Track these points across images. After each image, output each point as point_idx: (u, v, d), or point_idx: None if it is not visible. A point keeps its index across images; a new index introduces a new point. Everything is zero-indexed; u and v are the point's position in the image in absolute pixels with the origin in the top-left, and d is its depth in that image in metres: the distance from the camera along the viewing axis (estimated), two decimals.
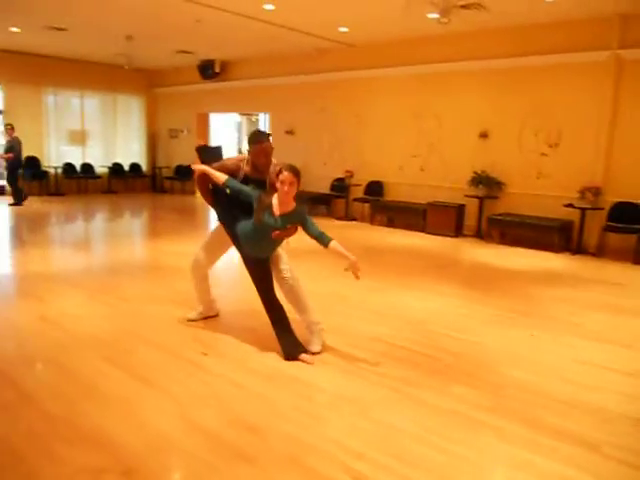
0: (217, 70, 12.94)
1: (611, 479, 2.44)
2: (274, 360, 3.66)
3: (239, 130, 17.05)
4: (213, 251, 4.19)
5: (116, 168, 14.69)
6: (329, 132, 11.02)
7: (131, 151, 15.21)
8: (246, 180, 3.74)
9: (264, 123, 15.90)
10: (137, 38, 10.40)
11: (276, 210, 3.54)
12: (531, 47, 8.33)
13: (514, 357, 3.90)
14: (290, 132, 12.01)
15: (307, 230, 3.55)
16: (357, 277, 3.41)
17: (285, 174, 3.46)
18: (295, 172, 3.51)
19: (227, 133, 16.52)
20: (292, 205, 3.56)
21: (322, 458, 2.53)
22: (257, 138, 3.73)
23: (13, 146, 11.13)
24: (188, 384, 3.28)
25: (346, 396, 3.17)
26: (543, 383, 3.45)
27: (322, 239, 3.48)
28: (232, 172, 3.76)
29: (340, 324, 4.41)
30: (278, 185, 3.47)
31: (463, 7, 7.10)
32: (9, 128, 11.28)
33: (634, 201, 7.62)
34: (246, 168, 3.78)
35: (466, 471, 2.48)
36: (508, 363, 3.77)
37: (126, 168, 14.97)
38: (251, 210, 3.58)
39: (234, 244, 3.85)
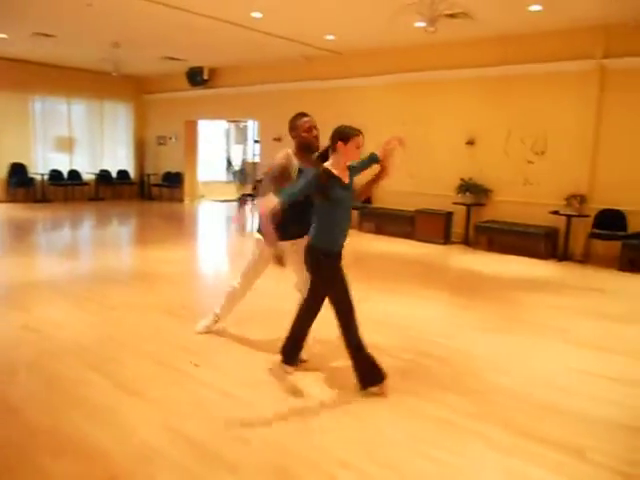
0: (205, 77, 12.94)
1: None
2: (262, 369, 3.64)
3: (227, 137, 17.03)
4: (251, 279, 4.05)
5: (103, 175, 14.60)
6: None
7: (119, 158, 15.12)
8: (300, 172, 3.48)
9: (253, 130, 15.93)
10: (124, 45, 10.37)
11: (344, 179, 3.22)
12: (517, 56, 8.42)
13: (501, 364, 3.91)
14: (278, 139, 12.00)
15: (359, 171, 3.39)
16: (401, 145, 3.47)
17: (361, 137, 3.17)
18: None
19: (215, 140, 16.49)
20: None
21: (307, 467, 2.52)
22: (295, 118, 3.59)
23: None
24: (174, 393, 3.25)
25: (333, 404, 3.16)
26: (530, 390, 3.47)
27: (372, 159, 3.44)
28: (285, 171, 3.51)
29: (326, 332, 4.38)
30: (352, 148, 3.13)
31: (449, 16, 7.18)
32: None
33: (618, 208, 7.71)
34: (294, 161, 3.55)
35: (451, 476, 2.48)
36: (495, 370, 3.78)
37: (114, 175, 14.88)
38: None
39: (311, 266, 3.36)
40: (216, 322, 4.27)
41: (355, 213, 10.34)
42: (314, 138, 3.55)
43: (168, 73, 13.81)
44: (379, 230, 10.04)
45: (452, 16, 7.20)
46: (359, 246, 8.76)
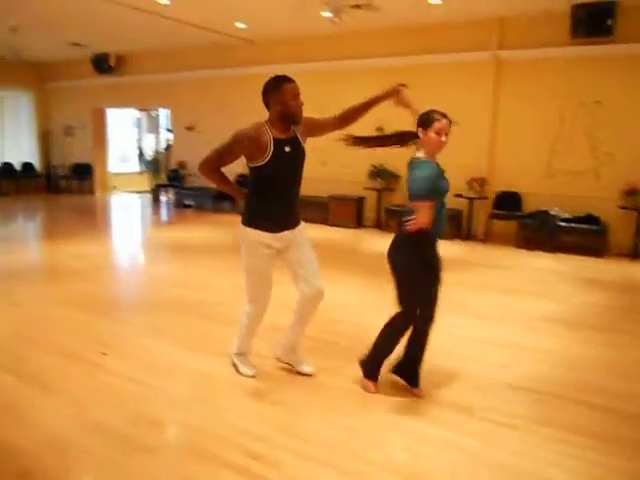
0: (112, 64, 12.50)
1: (485, 438, 2.73)
2: (174, 354, 3.71)
3: (139, 126, 16.52)
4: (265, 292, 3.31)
5: (6, 168, 13.79)
6: (231, 128, 10.90)
7: (22, 150, 14.30)
8: (278, 144, 3.00)
9: (165, 119, 15.58)
10: (23, 29, 9.82)
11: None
12: (421, 47, 8.79)
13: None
14: (191, 128, 11.88)
15: None
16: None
17: (443, 121, 2.92)
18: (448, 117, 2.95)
19: (126, 129, 15.97)
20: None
21: (221, 443, 2.63)
22: (279, 81, 3.04)
23: None
24: (86, 385, 3.25)
25: (245, 385, 3.28)
26: (431, 359, 3.71)
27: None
28: (257, 146, 2.98)
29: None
30: (433, 136, 2.94)
31: (354, 7, 7.40)
32: None
33: (515, 190, 8.31)
34: (273, 131, 3.02)
35: (361, 442, 2.67)
36: (402, 344, 4.02)
37: (17, 168, 14.09)
38: None
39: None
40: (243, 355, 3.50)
41: None
42: (299, 108, 3.03)
43: (72, 59, 13.21)
44: None
45: (357, 7, 7.42)
46: None
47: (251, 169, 3.08)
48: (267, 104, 3.08)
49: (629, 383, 3.47)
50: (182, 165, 12.16)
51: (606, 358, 3.90)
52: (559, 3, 7.36)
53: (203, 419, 2.86)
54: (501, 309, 4.99)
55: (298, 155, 3.12)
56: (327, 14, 7.34)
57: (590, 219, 7.62)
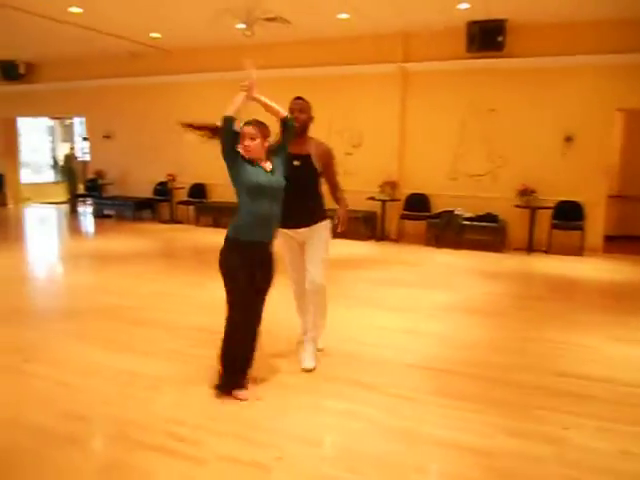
0: (22, 71, 12.16)
1: (384, 408, 3.11)
2: (99, 356, 3.86)
3: (52, 135, 16.04)
4: (294, 277, 4.13)
5: None
6: (149, 136, 11.02)
7: None
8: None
9: (80, 127, 15.24)
10: None
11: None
12: (332, 59, 9.26)
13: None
14: (108, 136, 11.76)
15: (283, 140, 3.48)
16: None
17: (245, 129, 3.25)
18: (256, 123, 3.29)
19: (38, 138, 15.47)
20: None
21: (146, 430, 2.85)
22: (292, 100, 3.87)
23: None
24: (14, 391, 3.34)
25: (167, 378, 3.50)
26: (343, 347, 4.10)
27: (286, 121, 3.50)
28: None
29: (164, 319, 4.69)
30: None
31: (268, 20, 7.72)
32: None
33: (423, 192, 8.93)
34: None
35: (273, 419, 2.97)
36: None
37: None
38: None
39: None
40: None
41: (191, 209, 10.56)
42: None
43: None
44: (216, 224, 10.36)
45: (270, 20, 7.75)
46: (197, 240, 9.06)
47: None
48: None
49: (506, 356, 3.98)
50: (100, 174, 12.01)
51: (491, 337, 4.42)
52: (456, 20, 8.03)
53: (129, 412, 3.06)
54: (407, 301, 5.45)
55: None
56: (241, 26, 7.62)
57: (490, 217, 8.33)
